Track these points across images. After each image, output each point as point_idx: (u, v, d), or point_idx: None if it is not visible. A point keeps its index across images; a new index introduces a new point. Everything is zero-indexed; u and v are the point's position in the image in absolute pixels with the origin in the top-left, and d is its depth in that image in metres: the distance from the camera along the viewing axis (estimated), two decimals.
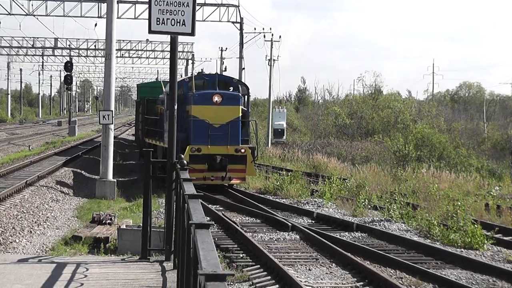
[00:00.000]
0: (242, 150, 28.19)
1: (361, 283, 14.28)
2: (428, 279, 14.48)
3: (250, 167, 28.68)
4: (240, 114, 28.57)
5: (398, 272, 15.28)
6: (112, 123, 27.38)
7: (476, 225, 19.06)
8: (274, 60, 72.52)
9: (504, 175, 35.43)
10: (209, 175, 28.00)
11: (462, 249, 18.09)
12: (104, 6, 45.55)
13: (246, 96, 30.17)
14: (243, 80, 59.78)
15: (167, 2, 12.67)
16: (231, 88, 29.94)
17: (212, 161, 27.77)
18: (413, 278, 14.55)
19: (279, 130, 66.50)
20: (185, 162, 12.35)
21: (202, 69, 30.62)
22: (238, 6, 53.87)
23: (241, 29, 56.73)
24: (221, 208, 24.10)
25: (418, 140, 42.79)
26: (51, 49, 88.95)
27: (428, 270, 15.19)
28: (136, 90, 50.53)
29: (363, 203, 23.86)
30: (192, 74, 29.77)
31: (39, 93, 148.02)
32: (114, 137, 32.10)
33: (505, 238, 19.79)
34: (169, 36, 13.35)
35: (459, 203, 21.82)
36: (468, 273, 15.34)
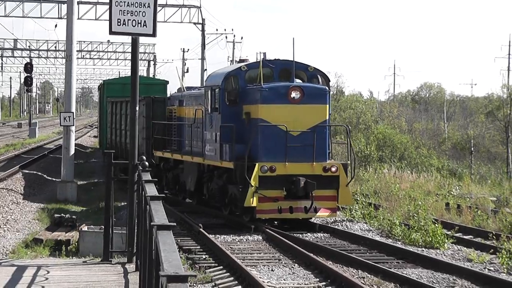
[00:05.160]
0: (333, 169, 20.27)
1: (324, 283, 14.34)
2: (389, 278, 14.59)
3: (345, 193, 20.47)
4: (328, 117, 20.96)
5: (360, 271, 15.37)
6: (73, 125, 27.20)
7: (436, 225, 19.26)
8: (236, 61, 72.46)
9: (464, 175, 35.80)
10: (286, 205, 19.90)
11: (423, 249, 18.27)
12: (64, 7, 45.20)
13: None
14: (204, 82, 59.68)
15: (128, 3, 12.64)
16: (304, 80, 21.77)
17: (292, 185, 19.90)
18: (375, 278, 14.66)
19: None
20: (147, 163, 12.29)
21: (264, 53, 21.76)
22: (200, 7, 53.82)
23: (203, 30, 56.65)
24: (184, 210, 24.01)
25: (380, 140, 43.07)
26: (10, 50, 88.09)
27: (390, 269, 15.31)
28: (101, 87, 41.12)
29: None
30: (261, 59, 21.50)
31: None
32: None
33: (465, 237, 20.03)
34: (130, 37, 13.32)
35: (420, 203, 22.03)
36: (429, 272, 15.49)
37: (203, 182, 23.12)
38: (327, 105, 20.70)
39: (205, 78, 57.66)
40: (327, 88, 21.10)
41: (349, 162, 21.38)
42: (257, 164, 19.68)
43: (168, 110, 26.67)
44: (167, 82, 37.46)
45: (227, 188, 21.12)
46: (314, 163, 20.17)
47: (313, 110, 20.41)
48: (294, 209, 19.97)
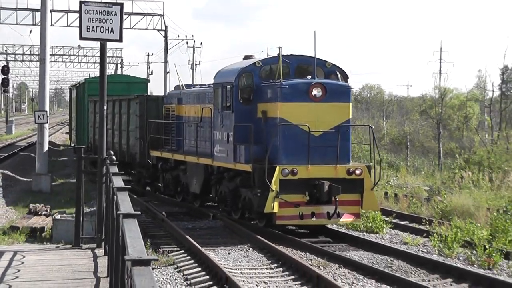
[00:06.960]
0: (358, 171, 17.48)
1: (275, 264, 14.41)
2: (335, 260, 14.70)
3: (370, 197, 17.59)
4: (351, 116, 18.32)
5: (308, 254, 15.46)
6: (47, 122, 26.90)
7: (376, 212, 19.44)
8: (196, 64, 72.42)
9: (400, 167, 36.16)
10: (308, 210, 16.96)
11: (365, 233, 18.43)
12: (38, 14, 44.56)
13: None
14: (167, 86, 59.26)
15: (97, 11, 12.59)
16: (321, 77, 18.54)
17: (315, 190, 17.02)
18: (322, 260, 14.75)
19: None
20: (114, 157, 12.20)
21: (280, 47, 18.59)
22: (163, 15, 53.57)
23: (165, 36, 56.49)
24: (149, 200, 23.88)
25: None
26: None
27: (335, 252, 15.43)
28: (82, 86, 36.31)
29: None
30: (280, 53, 18.49)
31: None
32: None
33: (401, 222, 20.25)
34: (99, 42, 13.23)
35: None
36: (369, 254, 15.64)
37: (211, 184, 20.20)
38: (350, 103, 18.18)
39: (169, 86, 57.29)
40: (350, 85, 18.53)
41: (372, 164, 18.27)
42: (277, 167, 16.71)
43: (165, 108, 23.62)
44: (148, 80, 35.79)
45: (239, 192, 18.40)
46: (338, 165, 17.36)
47: (336, 108, 17.70)
48: (317, 215, 17.04)
